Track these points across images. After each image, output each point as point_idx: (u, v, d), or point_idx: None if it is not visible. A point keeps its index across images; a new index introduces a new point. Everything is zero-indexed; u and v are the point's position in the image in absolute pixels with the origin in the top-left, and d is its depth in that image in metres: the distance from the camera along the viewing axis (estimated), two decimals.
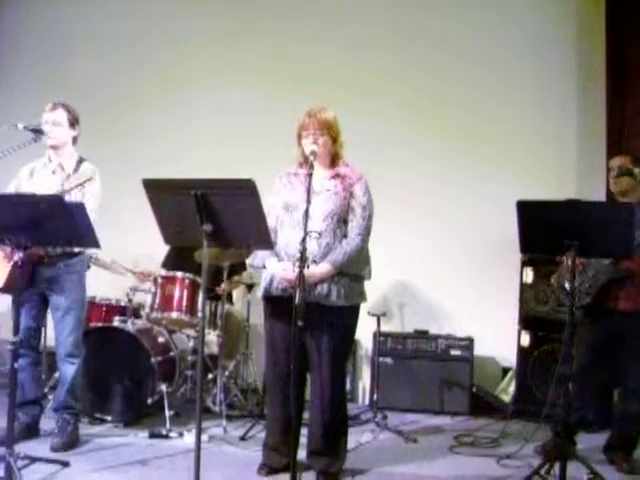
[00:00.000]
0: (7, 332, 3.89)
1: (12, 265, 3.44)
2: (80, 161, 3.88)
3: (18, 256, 3.09)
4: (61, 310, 3.79)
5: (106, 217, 3.81)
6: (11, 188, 3.86)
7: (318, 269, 3.21)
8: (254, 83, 5.62)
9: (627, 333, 3.71)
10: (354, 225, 3.34)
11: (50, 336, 3.97)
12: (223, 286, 4.72)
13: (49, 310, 3.87)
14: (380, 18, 5.65)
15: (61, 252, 3.74)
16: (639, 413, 3.75)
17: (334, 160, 3.42)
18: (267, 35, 5.74)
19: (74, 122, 3.87)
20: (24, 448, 3.43)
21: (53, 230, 3.05)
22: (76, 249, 3.77)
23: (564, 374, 3.32)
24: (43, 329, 4.08)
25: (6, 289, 3.50)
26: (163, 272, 4.71)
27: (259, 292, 3.50)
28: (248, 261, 3.54)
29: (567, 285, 3.77)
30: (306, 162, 3.34)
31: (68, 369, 3.81)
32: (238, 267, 5.04)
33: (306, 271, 3.04)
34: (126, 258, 4.90)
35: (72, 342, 3.80)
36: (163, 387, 4.28)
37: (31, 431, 3.86)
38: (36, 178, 3.84)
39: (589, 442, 4.07)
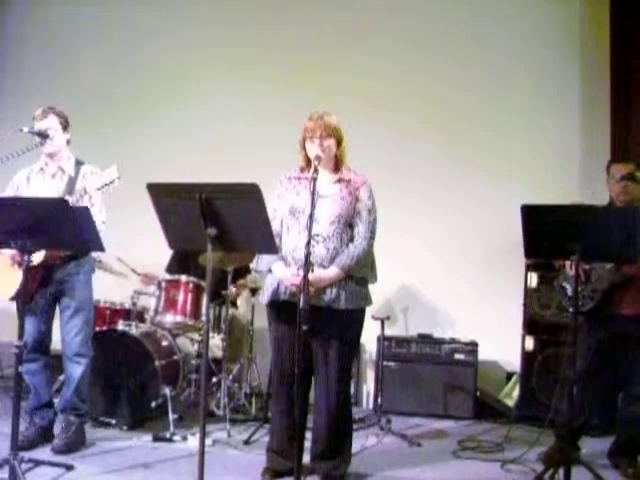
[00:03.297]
0: (6, 335, 3.91)
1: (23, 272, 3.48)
2: (78, 163, 3.89)
3: (25, 261, 3.09)
4: (70, 310, 3.80)
5: (110, 221, 3.84)
6: (8, 193, 3.83)
7: (326, 273, 3.23)
8: (258, 89, 5.63)
9: (630, 338, 3.71)
10: (360, 229, 3.34)
11: (55, 339, 3.97)
12: (234, 289, 4.74)
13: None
14: (382, 24, 5.64)
15: (71, 253, 3.76)
16: None
17: (338, 164, 3.42)
18: (270, 42, 5.75)
19: (66, 125, 3.86)
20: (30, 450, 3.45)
21: (58, 234, 3.06)
22: None
23: (567, 379, 3.31)
24: None
25: (17, 296, 3.51)
26: (167, 276, 4.72)
27: (261, 297, 3.50)
28: (252, 265, 3.53)
29: (568, 290, 3.78)
30: (308, 166, 3.35)
31: (75, 369, 3.81)
32: (242, 271, 5.04)
33: (314, 275, 3.05)
34: (130, 262, 4.90)
35: (79, 342, 3.81)
36: (167, 391, 4.28)
37: (47, 435, 3.84)
38: (33, 183, 3.84)
39: (593, 447, 4.06)
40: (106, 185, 3.55)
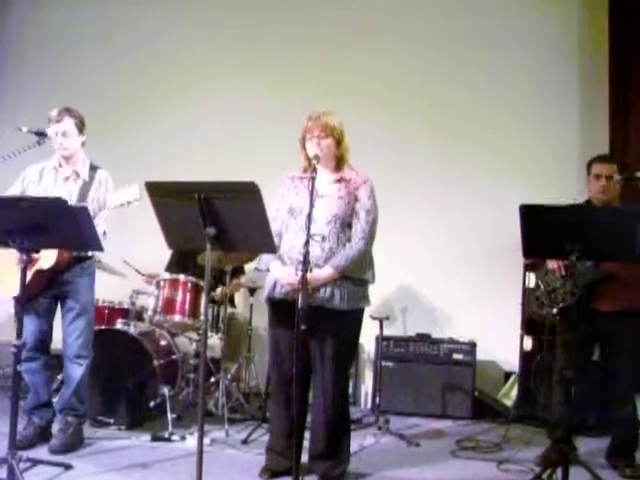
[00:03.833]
0: (7, 334, 3.90)
1: (33, 271, 3.49)
2: (93, 167, 3.87)
3: (23, 260, 3.09)
4: (74, 312, 3.80)
5: (110, 221, 3.83)
6: (15, 189, 3.82)
7: (321, 273, 3.22)
8: (258, 89, 5.65)
9: (610, 334, 3.73)
10: (358, 229, 3.34)
11: (55, 338, 3.97)
12: (219, 290, 4.76)
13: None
14: (382, 24, 5.65)
15: (76, 255, 3.75)
16: (634, 416, 3.75)
17: (339, 164, 3.42)
18: (270, 42, 5.76)
19: (81, 127, 3.83)
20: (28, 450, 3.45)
21: (57, 233, 3.06)
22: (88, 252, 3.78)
23: (564, 378, 3.32)
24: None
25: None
26: (167, 275, 4.72)
27: (262, 296, 3.51)
28: (254, 265, 3.54)
29: (542, 286, 3.82)
30: (310, 166, 3.35)
31: (75, 370, 3.81)
32: (237, 271, 5.04)
33: (309, 275, 3.05)
34: (131, 262, 4.90)
35: (81, 344, 3.80)
36: (165, 390, 4.28)
37: (45, 434, 3.84)
38: (45, 182, 3.82)
39: (589, 446, 4.07)
40: (123, 205, 3.55)
